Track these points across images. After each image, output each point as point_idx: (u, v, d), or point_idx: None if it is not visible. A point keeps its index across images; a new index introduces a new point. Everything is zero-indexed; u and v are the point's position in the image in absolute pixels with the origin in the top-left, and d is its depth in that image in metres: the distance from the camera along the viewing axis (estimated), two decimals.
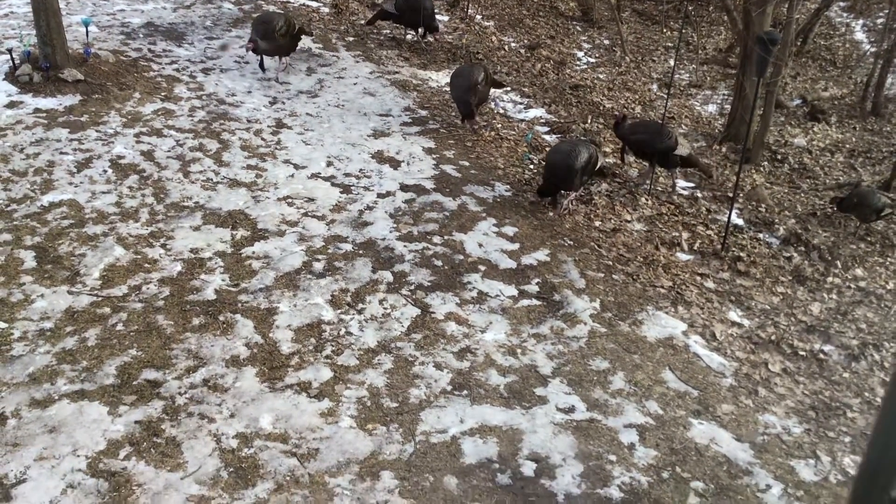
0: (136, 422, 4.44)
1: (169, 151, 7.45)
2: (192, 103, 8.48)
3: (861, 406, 5.36)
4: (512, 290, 5.96)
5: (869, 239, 7.65)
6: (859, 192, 7.92)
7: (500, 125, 9.02)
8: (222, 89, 8.88)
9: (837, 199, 7.93)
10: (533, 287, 6.04)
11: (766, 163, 9.18)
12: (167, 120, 8.05)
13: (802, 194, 8.47)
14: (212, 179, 7.05)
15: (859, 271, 7.03)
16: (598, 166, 7.29)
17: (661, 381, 5.23)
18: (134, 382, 4.72)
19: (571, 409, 4.86)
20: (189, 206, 6.60)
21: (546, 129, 9.15)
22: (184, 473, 4.15)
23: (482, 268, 6.19)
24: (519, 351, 5.34)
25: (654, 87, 11.41)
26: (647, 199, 7.73)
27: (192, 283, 5.68)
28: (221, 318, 5.34)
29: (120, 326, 5.17)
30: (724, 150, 9.38)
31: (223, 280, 5.74)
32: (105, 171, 6.98)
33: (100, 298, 5.42)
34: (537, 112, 9.68)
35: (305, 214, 6.67)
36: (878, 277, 6.97)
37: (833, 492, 4.57)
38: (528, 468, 4.39)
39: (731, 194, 7.67)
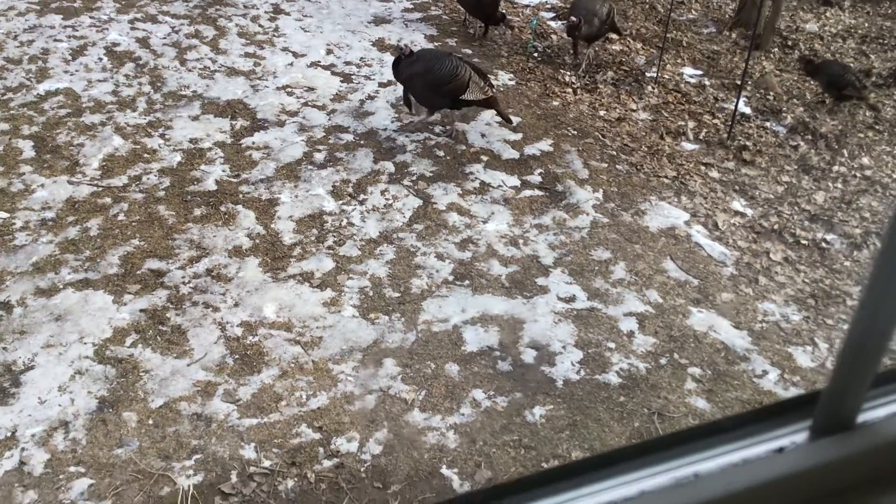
0: (141, 310, 4.49)
1: (164, 38, 7.28)
2: None
3: None
4: (514, 181, 5.92)
5: (877, 127, 7.53)
6: (827, 61, 7.82)
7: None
8: None
9: (806, 58, 7.85)
10: (535, 177, 5.99)
11: (776, 49, 8.95)
12: (161, 5, 7.83)
13: (812, 82, 8.29)
14: (209, 68, 6.91)
15: (866, 160, 6.95)
16: (465, 94, 5.97)
17: (662, 270, 5.25)
18: (138, 272, 4.75)
19: (572, 299, 4.90)
20: (187, 95, 6.50)
21: (551, 14, 8.89)
22: (190, 360, 4.23)
23: (484, 158, 6.13)
24: (521, 241, 5.34)
25: None
26: (653, 88, 7.58)
27: (192, 173, 5.64)
28: (223, 208, 5.33)
29: (121, 217, 5.17)
30: (734, 36, 9.13)
31: (223, 171, 5.70)
32: (100, 59, 6.84)
33: (100, 188, 5.40)
34: None
35: (305, 104, 6.56)
36: (884, 166, 6.90)
37: (829, 378, 4.64)
38: (529, 356, 4.45)
39: (739, 82, 7.51)
